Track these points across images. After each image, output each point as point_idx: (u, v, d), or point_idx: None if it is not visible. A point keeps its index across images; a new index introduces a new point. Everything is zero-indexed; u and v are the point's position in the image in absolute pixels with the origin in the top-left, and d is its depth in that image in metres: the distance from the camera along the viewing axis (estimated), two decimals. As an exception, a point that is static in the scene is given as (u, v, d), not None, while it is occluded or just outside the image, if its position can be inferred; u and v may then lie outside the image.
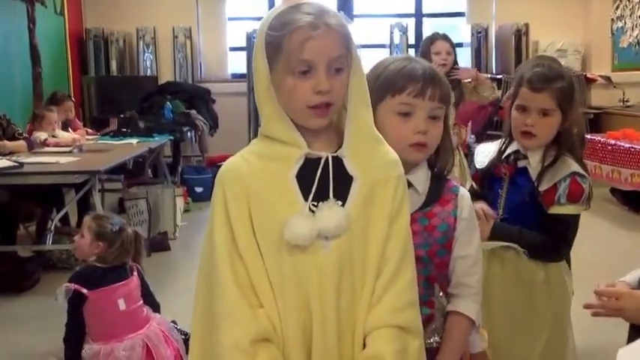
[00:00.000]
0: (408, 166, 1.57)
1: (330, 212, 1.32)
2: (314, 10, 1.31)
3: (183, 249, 5.60)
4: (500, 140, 2.30)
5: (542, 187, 2.14)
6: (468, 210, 1.64)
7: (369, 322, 1.36)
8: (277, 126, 1.35)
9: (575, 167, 2.14)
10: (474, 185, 2.37)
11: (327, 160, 1.35)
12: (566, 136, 2.18)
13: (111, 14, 8.58)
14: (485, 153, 2.33)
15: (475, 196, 2.30)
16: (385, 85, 1.59)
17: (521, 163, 2.21)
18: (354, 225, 1.34)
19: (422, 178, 1.62)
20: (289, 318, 1.33)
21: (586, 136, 2.46)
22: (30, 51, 6.94)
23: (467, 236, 1.63)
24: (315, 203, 1.33)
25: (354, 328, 1.36)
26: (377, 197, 1.38)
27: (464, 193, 1.66)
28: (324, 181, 1.34)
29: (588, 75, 8.08)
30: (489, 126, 6.66)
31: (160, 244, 5.45)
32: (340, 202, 1.34)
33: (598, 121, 7.74)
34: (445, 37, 4.10)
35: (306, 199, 1.33)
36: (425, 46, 4.12)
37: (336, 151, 1.37)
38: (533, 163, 2.18)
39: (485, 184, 2.30)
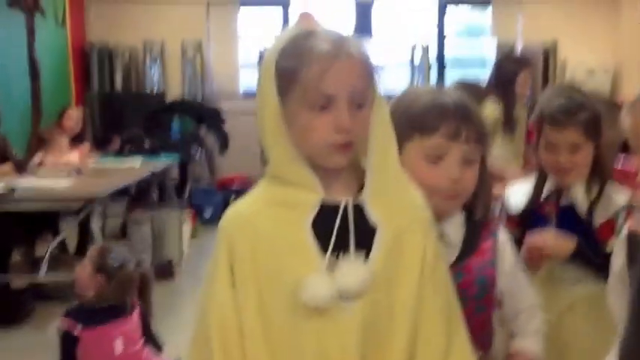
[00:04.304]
0: (439, 216, 1.45)
1: (352, 270, 1.21)
2: (333, 37, 1.21)
3: (188, 277, 5.51)
4: (532, 179, 2.18)
5: (597, 222, 2.04)
6: (509, 261, 1.57)
7: None
8: (289, 167, 1.24)
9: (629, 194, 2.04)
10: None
11: (345, 207, 1.24)
12: (603, 162, 2.09)
13: (116, 26, 8.46)
14: (519, 195, 2.18)
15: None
16: (413, 122, 1.47)
17: (564, 200, 2.11)
18: (378, 279, 1.23)
19: (455, 225, 1.53)
20: None
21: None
22: (29, 65, 6.83)
23: (516, 289, 1.59)
24: (335, 257, 1.22)
25: None
26: (404, 245, 1.27)
27: (504, 239, 1.57)
28: (343, 230, 1.24)
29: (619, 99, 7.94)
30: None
31: (163, 272, 5.34)
32: (362, 254, 1.23)
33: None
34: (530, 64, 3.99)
35: (323, 251, 1.23)
36: (511, 71, 3.95)
37: (356, 195, 1.26)
38: (579, 197, 2.07)
39: (526, 227, 2.12)
